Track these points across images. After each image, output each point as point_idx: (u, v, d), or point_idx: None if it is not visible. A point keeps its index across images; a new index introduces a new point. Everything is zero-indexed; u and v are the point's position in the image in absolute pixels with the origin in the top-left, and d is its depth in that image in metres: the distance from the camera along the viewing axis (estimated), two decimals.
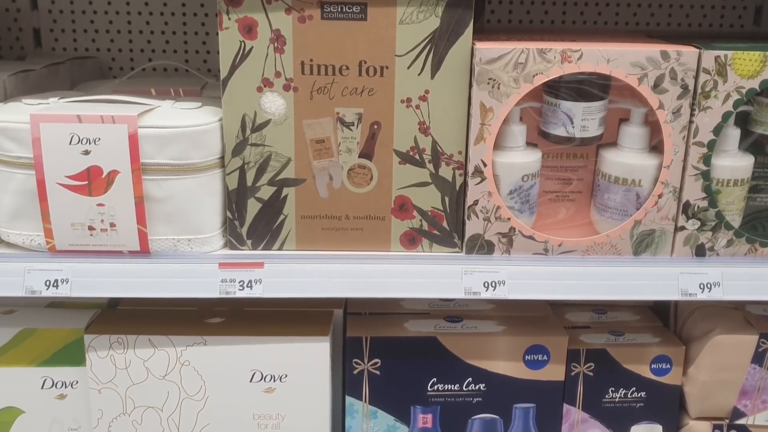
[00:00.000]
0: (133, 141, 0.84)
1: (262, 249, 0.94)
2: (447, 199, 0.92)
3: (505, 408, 1.02)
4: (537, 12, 1.30)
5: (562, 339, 1.00)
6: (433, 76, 0.88)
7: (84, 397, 1.00)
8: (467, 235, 0.92)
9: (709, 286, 0.90)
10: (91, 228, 0.88)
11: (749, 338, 1.01)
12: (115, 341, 0.95)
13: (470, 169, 0.90)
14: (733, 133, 0.92)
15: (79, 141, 0.84)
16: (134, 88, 1.04)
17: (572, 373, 1.03)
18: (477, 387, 1.01)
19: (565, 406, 1.03)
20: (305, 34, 0.86)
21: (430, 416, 1.02)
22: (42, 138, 0.84)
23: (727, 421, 1.05)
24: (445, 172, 0.91)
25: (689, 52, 0.86)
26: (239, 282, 0.89)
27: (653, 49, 0.85)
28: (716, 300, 0.91)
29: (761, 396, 1.03)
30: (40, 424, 1.01)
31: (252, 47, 0.86)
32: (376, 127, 0.90)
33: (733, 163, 0.92)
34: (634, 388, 1.04)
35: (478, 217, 0.91)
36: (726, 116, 0.88)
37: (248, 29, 0.86)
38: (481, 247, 0.92)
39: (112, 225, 0.87)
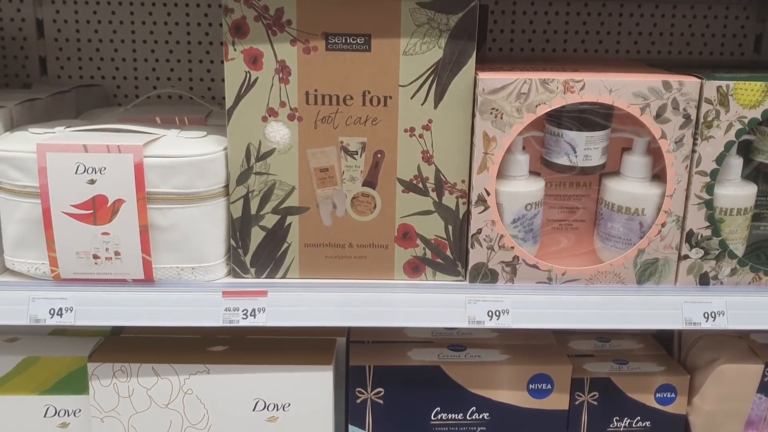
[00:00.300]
0: (139, 170, 0.84)
1: (266, 277, 0.94)
2: (450, 227, 0.93)
3: None
4: (538, 40, 1.31)
5: (566, 368, 1.00)
6: (436, 106, 0.88)
7: (87, 425, 0.99)
8: (471, 263, 0.92)
9: (713, 315, 0.90)
10: (95, 256, 0.88)
11: (754, 368, 1.00)
12: (118, 369, 0.95)
13: (473, 197, 0.90)
14: (736, 162, 0.92)
15: (85, 170, 0.84)
16: (139, 116, 1.05)
17: (576, 402, 1.02)
18: (481, 416, 1.01)
19: None
20: (310, 65, 0.87)
21: None
22: (48, 167, 0.84)
23: None
24: (449, 200, 0.92)
25: (691, 82, 0.86)
26: (243, 311, 0.89)
27: (655, 80, 0.86)
28: (721, 329, 0.91)
29: (767, 426, 1.03)
30: None
31: (257, 77, 0.87)
32: (379, 156, 0.90)
33: (736, 192, 0.92)
34: (638, 418, 1.03)
35: (481, 246, 0.91)
36: (728, 146, 0.88)
37: (254, 60, 0.86)
38: (484, 275, 0.93)
39: (117, 253, 0.88)
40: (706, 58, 1.33)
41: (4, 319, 0.87)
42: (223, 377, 0.95)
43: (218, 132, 0.94)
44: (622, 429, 1.03)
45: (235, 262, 0.94)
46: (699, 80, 0.87)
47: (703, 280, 0.94)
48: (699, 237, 0.91)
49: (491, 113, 0.87)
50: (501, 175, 0.91)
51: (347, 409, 1.01)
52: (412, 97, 0.88)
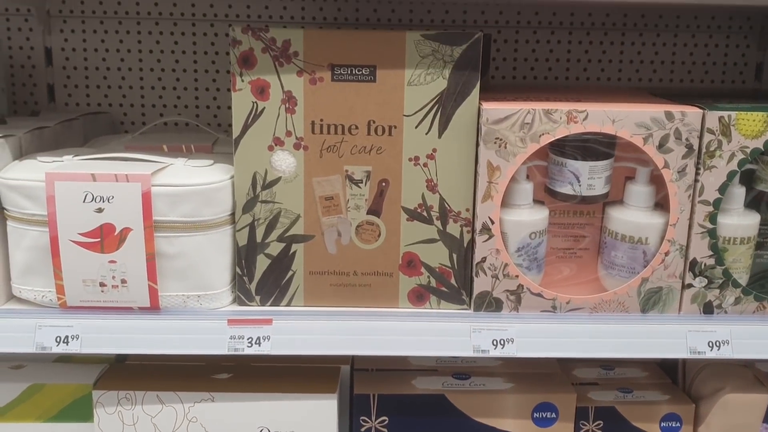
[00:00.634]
0: (146, 199, 0.85)
1: (271, 305, 0.95)
2: (455, 255, 0.93)
3: None
4: (541, 68, 1.32)
5: (571, 396, 1.00)
6: (440, 135, 0.89)
7: None
8: (475, 292, 0.92)
9: (718, 344, 0.90)
10: (102, 284, 0.88)
11: (760, 397, 1.00)
12: (123, 397, 0.95)
13: (478, 226, 0.90)
14: (739, 192, 0.93)
15: (93, 199, 0.85)
16: (146, 144, 1.06)
17: (581, 431, 1.02)
18: None
19: None
20: (316, 96, 0.88)
21: None
22: (56, 196, 0.85)
23: None
24: (453, 229, 0.92)
25: (693, 112, 0.87)
26: (248, 339, 0.89)
27: (658, 110, 0.87)
28: (726, 358, 0.91)
29: None
30: None
31: (264, 108, 0.88)
32: (384, 184, 0.91)
33: (739, 222, 0.92)
34: None
35: (486, 275, 0.92)
36: (731, 175, 0.89)
37: (261, 90, 0.88)
38: (489, 304, 0.93)
39: (123, 281, 0.88)
40: (707, 87, 1.34)
41: (11, 346, 0.88)
42: (227, 405, 0.95)
43: (224, 160, 0.95)
44: None
45: (241, 290, 0.94)
46: (701, 110, 0.87)
47: (707, 309, 0.94)
48: (702, 266, 0.92)
49: (495, 143, 0.87)
50: (505, 203, 0.92)
51: None
52: (416, 127, 0.89)
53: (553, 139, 0.88)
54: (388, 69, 0.87)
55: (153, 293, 0.89)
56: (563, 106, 0.87)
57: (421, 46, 0.87)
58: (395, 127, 0.89)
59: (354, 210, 0.92)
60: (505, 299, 0.92)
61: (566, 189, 0.93)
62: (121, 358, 1.06)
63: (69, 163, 0.90)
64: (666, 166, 0.88)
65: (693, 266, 0.92)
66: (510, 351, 0.89)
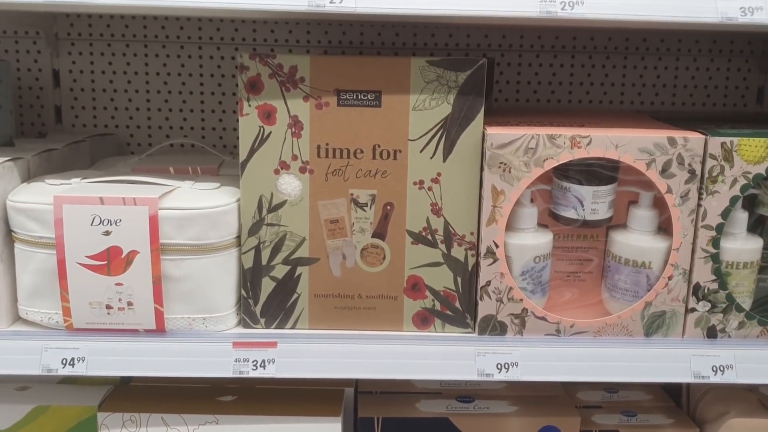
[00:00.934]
0: (154, 222, 0.86)
1: (276, 327, 0.95)
2: (459, 279, 0.94)
3: None
4: (543, 91, 1.33)
5: (575, 420, 1.00)
6: (445, 160, 0.90)
7: None
8: (480, 315, 0.93)
9: (722, 368, 0.90)
10: (108, 307, 0.89)
11: (765, 422, 1.00)
12: (128, 419, 0.95)
13: (482, 250, 0.91)
14: (741, 217, 0.93)
15: (101, 222, 0.86)
16: (153, 165, 1.07)
17: None
18: None
19: None
20: (322, 120, 0.89)
21: None
22: (64, 219, 0.86)
23: None
24: (458, 252, 0.93)
25: (696, 138, 0.88)
26: (252, 361, 0.89)
27: (660, 135, 0.88)
28: (730, 383, 0.91)
29: None
30: None
31: (270, 132, 0.89)
32: (389, 208, 0.92)
33: (742, 246, 0.93)
34: None
35: (490, 298, 0.92)
36: (734, 200, 0.89)
37: (267, 115, 0.89)
38: (493, 328, 0.93)
39: (130, 304, 0.89)
40: (709, 110, 1.35)
41: (17, 368, 0.88)
42: (232, 428, 0.95)
43: (231, 182, 0.96)
44: None
45: (246, 312, 0.95)
46: (703, 136, 0.88)
47: (711, 333, 0.94)
48: (706, 290, 0.92)
49: (499, 167, 0.88)
50: (509, 227, 0.92)
51: None
52: (421, 151, 0.90)
53: (557, 163, 0.88)
54: (393, 94, 0.88)
55: (159, 316, 0.89)
56: (567, 131, 0.88)
57: (426, 72, 0.88)
58: (400, 151, 0.90)
59: (359, 233, 0.92)
60: (510, 323, 0.93)
61: (570, 213, 0.93)
62: (125, 380, 1.07)
63: (77, 186, 0.91)
64: (669, 191, 0.89)
65: (696, 290, 0.92)
66: (514, 375, 0.89)
